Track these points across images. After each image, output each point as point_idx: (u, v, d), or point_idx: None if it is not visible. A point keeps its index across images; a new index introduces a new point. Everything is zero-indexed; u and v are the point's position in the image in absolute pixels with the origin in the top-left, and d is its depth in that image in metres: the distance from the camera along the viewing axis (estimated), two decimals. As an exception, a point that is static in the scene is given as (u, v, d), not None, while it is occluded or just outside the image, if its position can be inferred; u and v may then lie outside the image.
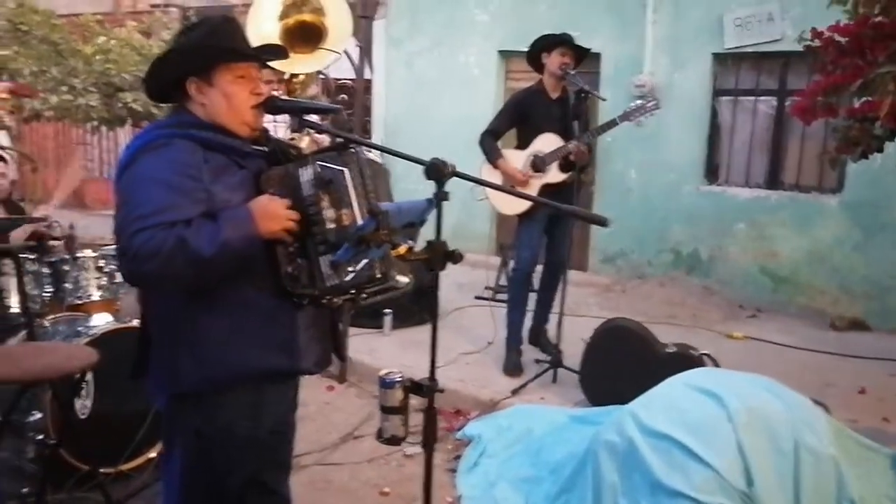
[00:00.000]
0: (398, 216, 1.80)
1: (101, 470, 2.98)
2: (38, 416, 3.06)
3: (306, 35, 3.79)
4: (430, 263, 1.86)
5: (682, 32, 6.29)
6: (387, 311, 5.10)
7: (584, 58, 4.51)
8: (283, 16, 4.04)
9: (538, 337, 4.85)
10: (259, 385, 1.93)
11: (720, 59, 6.24)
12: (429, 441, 1.96)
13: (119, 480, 3.14)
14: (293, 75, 3.73)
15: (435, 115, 7.39)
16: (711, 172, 6.46)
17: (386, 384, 1.90)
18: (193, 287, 1.82)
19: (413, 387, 1.94)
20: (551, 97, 4.47)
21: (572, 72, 4.34)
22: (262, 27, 4.03)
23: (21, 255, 3.17)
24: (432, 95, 7.52)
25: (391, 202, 1.91)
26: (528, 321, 4.75)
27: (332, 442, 3.76)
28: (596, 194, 6.80)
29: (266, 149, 1.98)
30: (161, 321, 1.94)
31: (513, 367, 4.51)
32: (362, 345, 4.85)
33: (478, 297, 6.06)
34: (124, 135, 9.87)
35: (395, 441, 1.93)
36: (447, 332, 5.42)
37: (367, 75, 7.54)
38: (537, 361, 4.59)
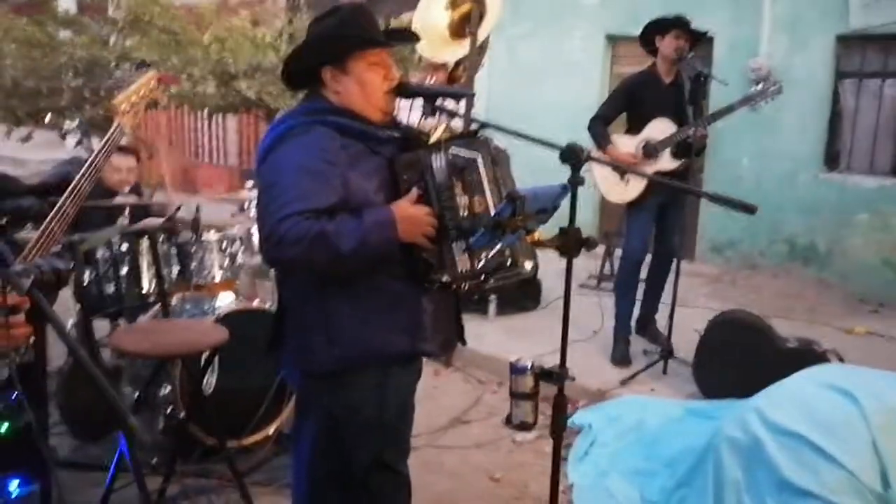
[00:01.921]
0: (533, 202, 1.79)
1: (229, 444, 3.12)
2: (168, 389, 3.23)
3: (467, 22, 3.90)
4: (564, 250, 1.84)
5: (803, 12, 5.98)
6: (492, 297, 5.11)
7: (699, 41, 4.36)
8: (452, 5, 4.16)
9: (646, 327, 4.75)
10: (386, 367, 1.98)
11: (844, 40, 5.89)
12: (557, 430, 1.95)
13: (241, 454, 3.26)
14: (458, 63, 3.81)
15: (538, 102, 7.31)
16: (832, 160, 6.13)
17: (517, 370, 1.91)
18: (328, 275, 1.88)
19: (543, 374, 1.93)
20: (665, 82, 4.35)
21: (689, 55, 4.21)
22: (432, 19, 4.19)
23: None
24: (535, 81, 7.44)
25: (522, 187, 1.89)
26: (636, 311, 4.67)
27: (442, 425, 3.81)
28: (705, 182, 6.57)
29: (398, 134, 2.00)
30: (297, 302, 2.00)
31: (621, 356, 4.44)
32: (467, 330, 4.81)
33: (582, 286, 5.98)
34: (234, 122, 10.27)
35: (525, 427, 1.94)
36: (551, 320, 5.31)
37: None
38: (646, 352, 4.50)
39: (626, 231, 4.58)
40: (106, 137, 2.02)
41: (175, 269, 3.57)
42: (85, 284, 3.20)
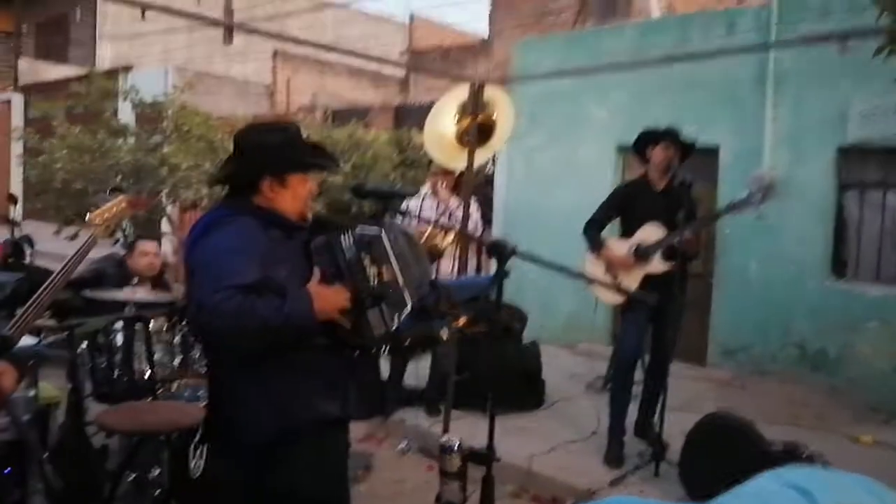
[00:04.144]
0: (460, 291, 1.97)
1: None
2: (157, 471, 3.38)
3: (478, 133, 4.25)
4: (489, 335, 1.99)
5: (804, 126, 6.19)
6: (490, 394, 5.16)
7: (689, 151, 4.56)
8: (459, 117, 4.53)
9: (644, 429, 4.75)
10: (320, 434, 2.13)
11: (844, 152, 6.06)
12: (486, 509, 2.04)
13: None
14: (466, 170, 4.16)
15: (553, 207, 7.56)
16: (839, 267, 6.18)
17: (445, 450, 2.03)
18: (254, 349, 2.04)
19: (471, 455, 2.04)
20: (656, 189, 4.54)
21: (676, 164, 4.41)
22: (442, 127, 4.57)
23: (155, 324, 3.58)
24: (551, 188, 7.73)
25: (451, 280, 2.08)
26: (635, 413, 4.70)
27: (425, 520, 3.84)
28: (714, 286, 6.65)
29: (309, 223, 2.25)
30: (228, 378, 2.17)
31: (614, 457, 4.44)
32: (464, 427, 4.90)
33: (588, 386, 6.01)
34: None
35: (452, 506, 2.03)
36: (552, 420, 5.41)
37: (488, 169, 7.94)
38: (641, 454, 4.49)
39: (620, 332, 4.67)
40: (80, 246, 2.31)
41: (178, 357, 3.80)
42: (90, 368, 3.45)
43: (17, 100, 15.95)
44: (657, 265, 4.42)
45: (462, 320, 1.98)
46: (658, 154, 4.47)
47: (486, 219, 8.43)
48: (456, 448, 2.02)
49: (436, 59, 12.49)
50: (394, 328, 2.01)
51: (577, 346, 7.16)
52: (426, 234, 4.72)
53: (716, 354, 6.65)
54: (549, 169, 7.81)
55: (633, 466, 4.28)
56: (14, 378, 1.91)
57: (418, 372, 5.31)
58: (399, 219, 2.21)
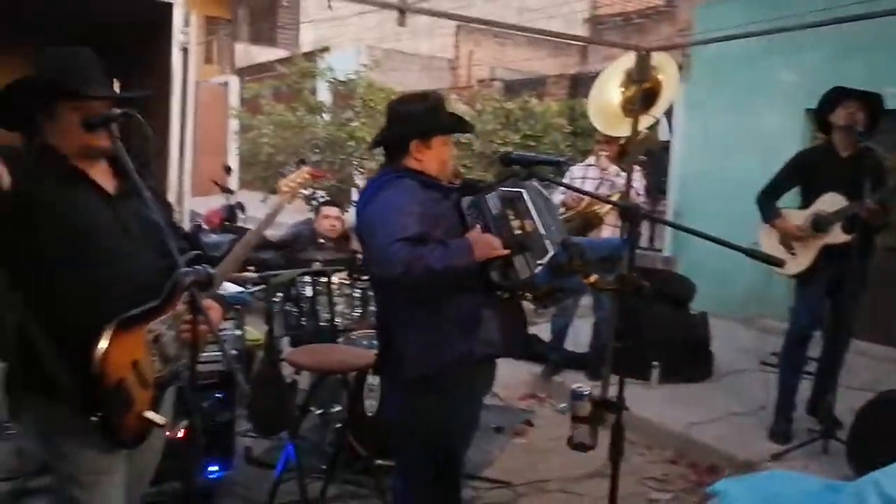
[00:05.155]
0: (592, 250, 2.12)
1: (378, 461, 3.62)
2: (338, 408, 3.83)
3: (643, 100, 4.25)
4: (621, 294, 2.12)
5: None
6: (655, 363, 5.19)
7: (879, 113, 4.25)
8: (625, 85, 4.56)
9: (816, 406, 4.56)
10: (471, 369, 2.42)
11: None
12: (615, 455, 2.19)
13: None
14: (629, 137, 4.20)
15: (732, 176, 7.23)
16: None
17: (576, 396, 2.19)
18: (424, 291, 2.32)
19: (602, 402, 2.19)
20: (841, 155, 4.29)
21: (859, 128, 4.14)
22: (607, 95, 4.61)
23: (339, 280, 4.02)
24: (730, 156, 7.42)
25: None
26: (808, 391, 4.54)
27: (579, 475, 4.01)
28: (913, 263, 6.12)
29: (458, 184, 2.55)
30: (393, 321, 2.47)
31: (779, 432, 4.33)
32: (628, 394, 4.98)
33: (763, 363, 5.81)
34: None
35: (582, 447, 2.21)
36: (718, 392, 5.33)
37: (664, 136, 7.75)
38: (811, 431, 4.34)
39: (794, 305, 4.50)
40: (271, 210, 2.71)
41: (357, 310, 4.23)
42: (283, 314, 3.97)
43: (234, 82, 17.64)
44: (836, 236, 4.21)
45: (593, 278, 2.12)
46: (840, 115, 4.20)
47: (660, 188, 8.29)
48: (586, 395, 2.18)
49: (617, 24, 12.26)
50: (537, 272, 2.21)
51: (753, 321, 6.90)
52: (584, 203, 4.82)
53: (911, 335, 6.15)
54: (730, 136, 7.49)
55: (799, 443, 4.16)
56: (220, 313, 2.29)
57: (578, 338, 5.46)
58: (546, 184, 2.40)
